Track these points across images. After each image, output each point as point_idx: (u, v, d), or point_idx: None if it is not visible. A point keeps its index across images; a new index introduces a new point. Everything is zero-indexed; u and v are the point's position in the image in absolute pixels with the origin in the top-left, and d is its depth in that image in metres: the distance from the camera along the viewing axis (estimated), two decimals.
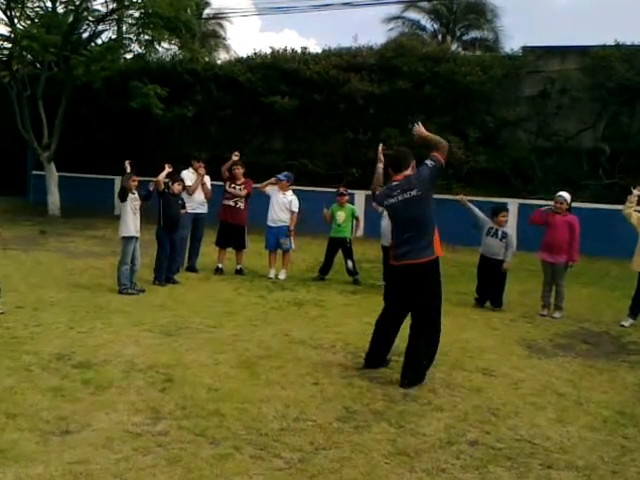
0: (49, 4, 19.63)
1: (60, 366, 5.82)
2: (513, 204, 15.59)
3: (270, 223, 11.06)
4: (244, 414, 4.85)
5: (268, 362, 6.20)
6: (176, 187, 10.11)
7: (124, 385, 5.40)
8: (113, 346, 6.54)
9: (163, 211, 10.00)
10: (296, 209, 11.04)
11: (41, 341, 6.62)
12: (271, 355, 6.45)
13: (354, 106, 18.21)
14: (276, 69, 19.14)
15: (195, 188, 11.08)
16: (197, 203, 11.19)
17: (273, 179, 11.18)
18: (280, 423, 4.72)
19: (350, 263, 10.94)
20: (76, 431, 4.44)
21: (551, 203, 9.34)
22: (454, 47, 28.04)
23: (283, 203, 11.01)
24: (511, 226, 14.13)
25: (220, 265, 11.29)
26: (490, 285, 9.46)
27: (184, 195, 10.57)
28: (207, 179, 11.45)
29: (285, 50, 20.03)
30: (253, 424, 4.68)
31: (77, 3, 18.78)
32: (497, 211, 9.60)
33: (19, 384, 5.29)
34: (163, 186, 9.86)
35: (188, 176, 11.07)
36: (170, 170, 9.97)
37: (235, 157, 11.36)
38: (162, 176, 9.84)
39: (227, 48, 35.87)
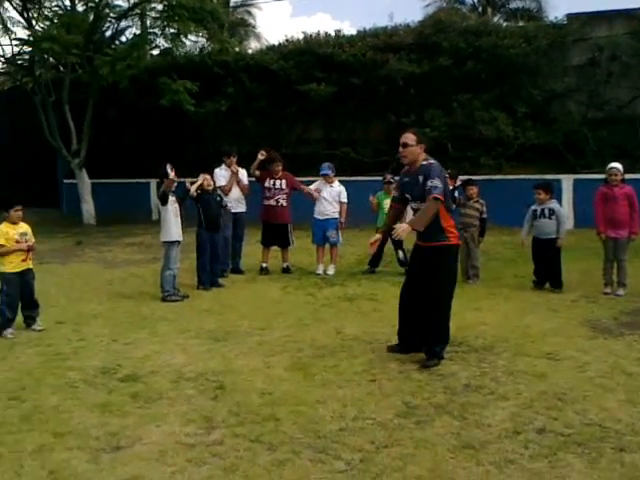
0: (68, 3, 19.95)
1: (106, 380, 5.97)
2: (567, 180, 15.56)
3: (318, 216, 11.16)
4: (300, 417, 4.94)
5: (322, 361, 6.29)
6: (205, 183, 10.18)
7: (174, 395, 5.53)
8: (160, 356, 6.69)
9: (203, 211, 10.14)
10: (345, 200, 11.13)
11: (85, 356, 6.79)
12: (325, 354, 6.53)
13: (394, 88, 18.14)
14: (310, 55, 19.14)
15: (231, 186, 11.13)
16: (234, 201, 11.22)
17: (313, 186, 11.26)
18: (338, 423, 4.80)
19: (401, 253, 10.93)
20: (127, 446, 4.56)
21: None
22: (495, 19, 27.77)
23: (332, 195, 11.10)
24: (567, 202, 14.19)
25: (265, 264, 11.39)
26: (547, 266, 9.49)
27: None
28: (243, 173, 11.45)
29: (318, 34, 20.08)
30: (310, 426, 4.76)
31: (97, 0, 19.06)
32: (534, 189, 9.72)
33: (65, 402, 5.44)
34: (195, 194, 10.02)
35: (221, 174, 11.12)
36: (202, 182, 10.13)
37: (261, 156, 11.36)
38: (194, 189, 10.01)
39: (257, 36, 36.11)
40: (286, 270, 11.35)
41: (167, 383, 5.84)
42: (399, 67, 17.91)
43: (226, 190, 10.96)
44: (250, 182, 11.67)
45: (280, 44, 20.71)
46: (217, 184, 10.62)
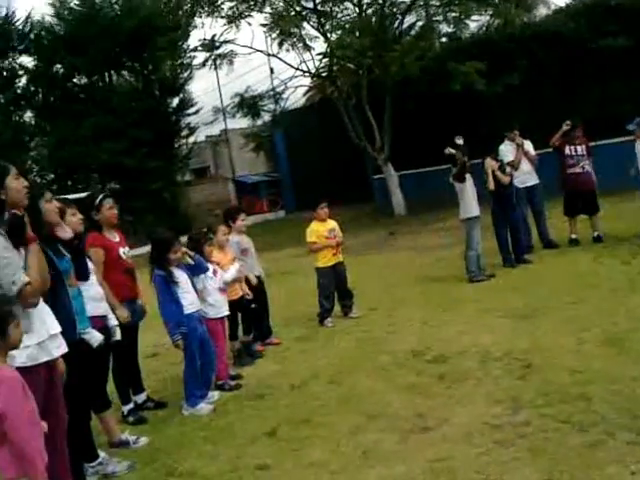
0: (357, 10, 20.72)
1: (415, 363, 6.03)
2: None
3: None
4: (614, 396, 4.53)
5: (639, 335, 5.70)
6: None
7: (481, 376, 5.40)
8: (467, 337, 6.59)
9: (496, 189, 9.76)
10: None
11: (396, 339, 6.94)
12: None
13: None
14: (601, 9, 17.82)
15: (519, 160, 10.54)
16: (525, 175, 10.69)
17: None
18: None
19: None
20: (434, 427, 4.52)
21: None
22: None
23: None
24: None
25: (574, 235, 10.73)
26: None
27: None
28: (528, 144, 10.87)
29: None
30: (626, 406, 4.33)
31: (380, 1, 19.49)
32: None
33: (377, 384, 5.61)
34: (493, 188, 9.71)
35: (507, 150, 10.56)
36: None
37: (566, 127, 10.69)
38: (492, 185, 9.67)
39: (545, 2, 34.41)
40: (597, 239, 10.56)
41: (474, 363, 5.73)
42: None
43: (516, 163, 10.45)
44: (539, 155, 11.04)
45: (567, 5, 19.74)
46: (504, 160, 10.16)
